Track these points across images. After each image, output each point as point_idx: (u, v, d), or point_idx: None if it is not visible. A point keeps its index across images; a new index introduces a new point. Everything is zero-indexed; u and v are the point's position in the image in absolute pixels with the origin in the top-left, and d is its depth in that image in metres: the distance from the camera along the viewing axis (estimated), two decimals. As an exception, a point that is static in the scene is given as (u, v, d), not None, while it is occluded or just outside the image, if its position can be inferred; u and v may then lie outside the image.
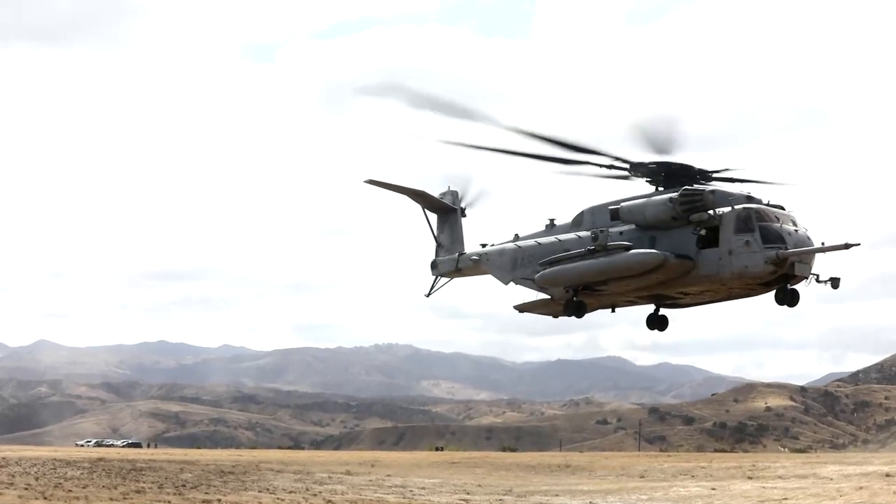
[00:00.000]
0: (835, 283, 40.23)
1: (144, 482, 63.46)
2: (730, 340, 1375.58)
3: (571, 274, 44.25)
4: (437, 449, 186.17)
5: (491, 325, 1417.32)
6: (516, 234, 49.71)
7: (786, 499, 61.06)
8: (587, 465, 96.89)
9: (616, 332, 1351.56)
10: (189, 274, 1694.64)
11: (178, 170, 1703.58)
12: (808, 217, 41.75)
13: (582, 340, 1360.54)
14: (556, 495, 65.05)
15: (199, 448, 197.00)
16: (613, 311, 46.90)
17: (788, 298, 40.40)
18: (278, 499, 56.47)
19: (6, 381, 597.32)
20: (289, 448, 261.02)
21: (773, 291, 40.74)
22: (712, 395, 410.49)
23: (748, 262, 40.09)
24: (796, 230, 40.50)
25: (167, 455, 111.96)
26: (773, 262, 39.72)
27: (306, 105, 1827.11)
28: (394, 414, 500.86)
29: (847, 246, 39.14)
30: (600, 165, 43.15)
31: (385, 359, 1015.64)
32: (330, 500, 56.93)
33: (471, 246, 52.75)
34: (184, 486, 62.19)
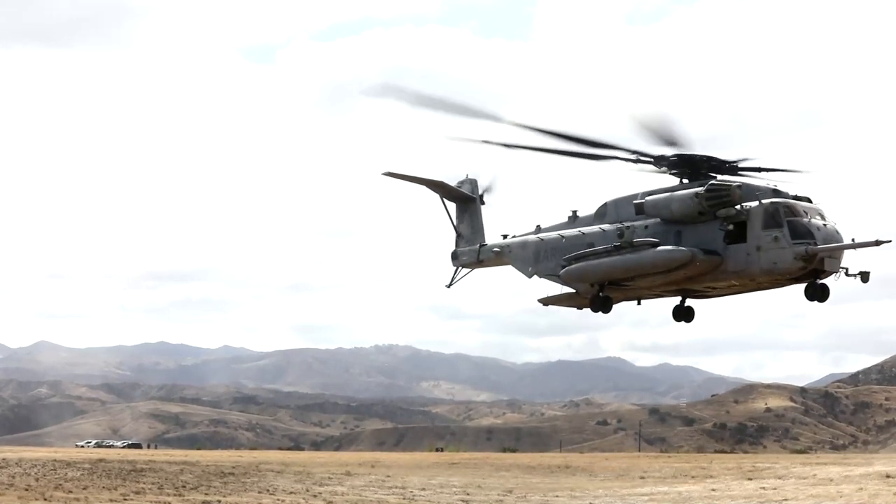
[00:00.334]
0: (864, 276, 39.86)
1: (144, 483, 63.48)
2: (730, 341, 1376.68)
3: (597, 271, 43.92)
4: (437, 450, 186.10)
5: (491, 326, 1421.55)
6: (538, 226, 49.23)
7: (786, 500, 61.06)
8: (587, 466, 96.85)
9: (616, 333, 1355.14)
10: (189, 275, 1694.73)
11: (178, 171, 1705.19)
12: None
13: (582, 341, 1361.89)
14: (557, 496, 65.05)
15: (199, 449, 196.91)
16: (639, 303, 46.43)
17: (818, 294, 40.11)
18: (278, 500, 56.49)
19: (6, 382, 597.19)
20: (289, 449, 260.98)
21: (804, 287, 40.28)
22: (712, 395, 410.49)
23: (777, 258, 39.76)
24: (825, 224, 40.09)
25: (167, 456, 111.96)
26: (802, 258, 39.35)
27: (306, 106, 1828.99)
28: (394, 415, 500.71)
29: (878, 242, 38.84)
30: (625, 160, 42.66)
31: (385, 360, 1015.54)
32: (330, 501, 56.95)
33: (491, 236, 52.26)
34: (184, 486, 62.21)
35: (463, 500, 60.94)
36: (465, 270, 53.16)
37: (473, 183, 53.54)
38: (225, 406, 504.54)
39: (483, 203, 53.13)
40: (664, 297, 45.59)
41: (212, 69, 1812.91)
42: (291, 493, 61.39)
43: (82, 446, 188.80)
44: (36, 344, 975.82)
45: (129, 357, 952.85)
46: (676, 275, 41.80)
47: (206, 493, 57.79)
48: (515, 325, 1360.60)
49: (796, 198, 41.04)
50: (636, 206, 43.93)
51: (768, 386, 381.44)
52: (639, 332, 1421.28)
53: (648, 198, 43.51)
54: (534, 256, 48.28)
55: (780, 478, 77.34)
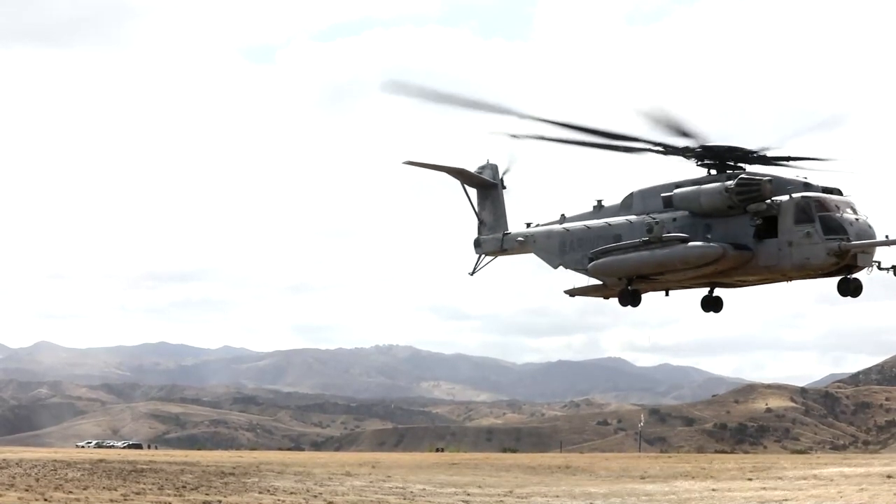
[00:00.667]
0: None
1: (145, 483, 63.46)
2: (730, 341, 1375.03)
3: (627, 266, 43.56)
4: (437, 450, 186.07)
5: (491, 326, 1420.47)
6: (562, 215, 48.67)
7: (786, 500, 61.02)
8: (587, 466, 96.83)
9: (616, 334, 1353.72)
10: (189, 275, 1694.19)
11: (178, 171, 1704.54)
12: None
13: (582, 341, 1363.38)
14: (557, 496, 65.02)
15: (199, 449, 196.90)
16: (667, 294, 45.92)
17: (851, 289, 39.84)
18: (279, 500, 56.48)
19: (6, 383, 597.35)
20: (289, 449, 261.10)
21: (836, 282, 40.00)
22: (713, 396, 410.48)
23: (809, 253, 39.44)
24: (857, 219, 39.74)
25: (168, 456, 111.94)
26: (835, 253, 39.04)
27: (306, 106, 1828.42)
28: (394, 415, 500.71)
29: None
30: (655, 151, 42.24)
31: (385, 360, 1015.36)
32: (331, 502, 56.93)
33: (513, 223, 51.62)
34: (184, 487, 62.19)
35: (463, 501, 60.93)
36: (488, 258, 52.43)
37: (494, 168, 52.70)
38: (225, 406, 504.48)
39: (504, 188, 52.33)
40: (693, 289, 45.15)
41: (212, 69, 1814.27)
42: (292, 493, 61.36)
43: (83, 447, 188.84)
44: (36, 344, 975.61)
45: (130, 357, 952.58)
46: (706, 270, 41.45)
47: (206, 494, 57.77)
48: (516, 326, 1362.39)
49: (826, 190, 40.58)
50: (664, 199, 43.43)
51: (769, 386, 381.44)
52: (639, 333, 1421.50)
53: (677, 191, 42.97)
54: (559, 247, 47.71)
55: (780, 478, 77.34)
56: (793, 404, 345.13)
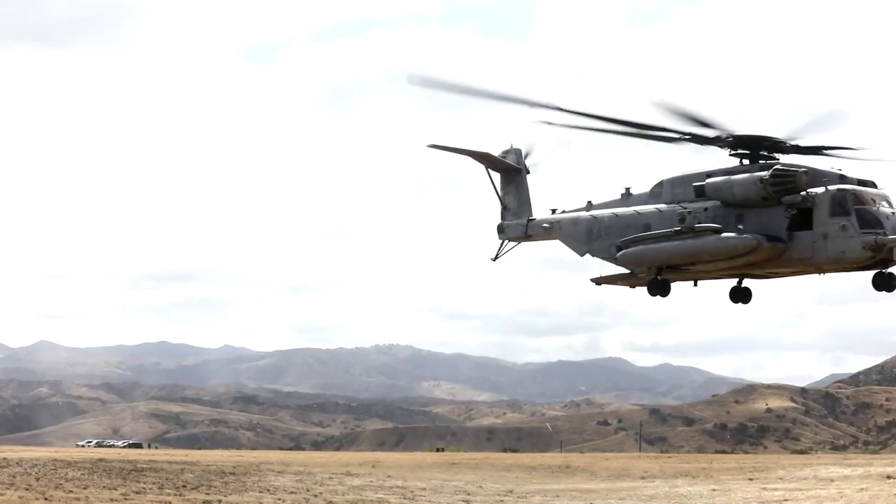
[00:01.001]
0: None
1: (145, 483, 63.46)
2: (730, 342, 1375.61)
3: (658, 256, 42.95)
4: (437, 450, 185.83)
5: (491, 326, 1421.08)
6: (589, 202, 47.97)
7: (786, 500, 61.06)
8: (588, 466, 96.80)
9: (616, 334, 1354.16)
10: (189, 275, 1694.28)
11: (178, 171, 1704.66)
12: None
13: (582, 341, 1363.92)
14: (557, 496, 65.03)
15: (199, 449, 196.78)
16: (696, 284, 45.24)
17: (886, 284, 39.51)
18: (279, 499, 56.48)
19: (6, 382, 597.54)
20: (289, 449, 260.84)
21: (871, 276, 39.66)
22: (713, 396, 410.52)
23: (845, 247, 38.97)
24: (893, 212, 39.34)
25: (168, 456, 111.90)
26: (871, 247, 38.60)
27: (306, 106, 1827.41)
28: (394, 415, 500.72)
29: None
30: (689, 141, 41.71)
31: (385, 360, 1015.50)
32: (331, 501, 56.93)
33: (537, 209, 50.99)
34: (184, 486, 62.19)
35: (464, 500, 60.93)
36: (511, 244, 51.71)
37: (518, 153, 51.87)
38: (225, 406, 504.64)
39: (528, 173, 51.62)
40: (722, 279, 44.68)
41: (212, 69, 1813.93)
42: (292, 492, 61.36)
43: (83, 446, 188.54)
44: (36, 344, 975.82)
45: (130, 357, 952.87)
46: (739, 261, 40.95)
47: (206, 493, 57.78)
48: (516, 326, 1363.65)
49: (861, 182, 40.17)
50: (696, 189, 42.68)
51: (769, 386, 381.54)
52: (639, 333, 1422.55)
53: (709, 180, 42.24)
54: (586, 235, 46.98)
55: (780, 478, 77.33)
56: (793, 404, 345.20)
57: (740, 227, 41.01)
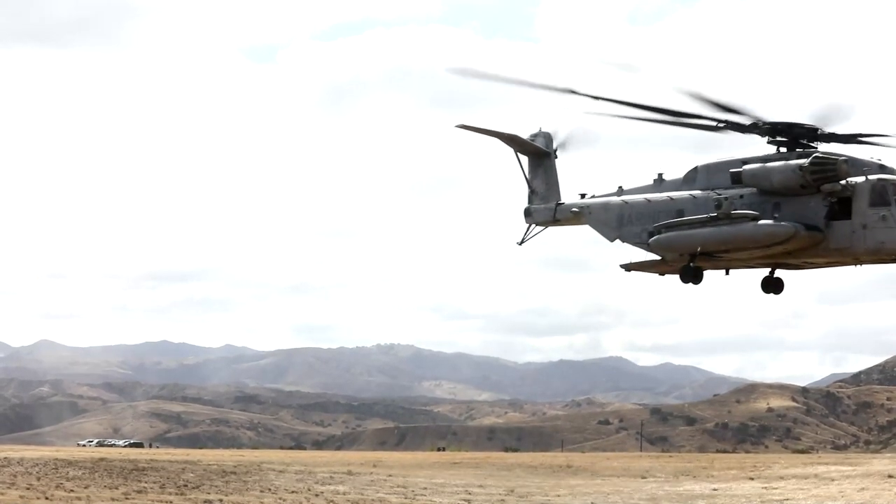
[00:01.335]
0: None
1: (146, 482, 63.44)
2: (731, 341, 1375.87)
3: (692, 242, 41.89)
4: (438, 449, 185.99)
5: (492, 325, 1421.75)
6: (620, 187, 47.03)
7: (787, 499, 61.04)
8: (589, 466, 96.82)
9: (617, 333, 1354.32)
10: (190, 274, 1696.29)
11: (179, 170, 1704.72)
12: None
13: (583, 341, 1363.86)
14: (558, 496, 65.00)
15: (200, 448, 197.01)
16: (727, 273, 44.32)
17: None
18: (280, 499, 56.48)
19: (8, 382, 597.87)
20: (291, 448, 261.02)
21: None
22: (714, 395, 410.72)
23: (884, 237, 38.46)
24: None
25: (169, 455, 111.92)
26: None
27: (307, 106, 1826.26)
28: (395, 414, 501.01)
29: None
30: (734, 129, 41.10)
31: (387, 359, 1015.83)
32: (332, 501, 56.93)
33: (566, 193, 49.99)
34: (185, 486, 62.18)
35: (465, 500, 60.93)
36: (538, 228, 50.61)
37: (547, 137, 50.79)
38: (226, 405, 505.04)
39: (556, 157, 50.59)
40: (755, 269, 43.90)
41: (213, 69, 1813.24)
42: (293, 492, 61.35)
43: (84, 445, 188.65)
44: (37, 343, 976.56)
45: (131, 356, 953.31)
46: (775, 249, 40.30)
47: (207, 493, 57.77)
48: (517, 325, 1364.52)
49: None
50: (732, 175, 41.89)
51: (770, 386, 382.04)
52: (640, 332, 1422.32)
53: (746, 167, 41.49)
54: (617, 220, 46.02)
55: (781, 478, 77.35)
56: (794, 404, 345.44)
57: (776, 215, 40.35)
